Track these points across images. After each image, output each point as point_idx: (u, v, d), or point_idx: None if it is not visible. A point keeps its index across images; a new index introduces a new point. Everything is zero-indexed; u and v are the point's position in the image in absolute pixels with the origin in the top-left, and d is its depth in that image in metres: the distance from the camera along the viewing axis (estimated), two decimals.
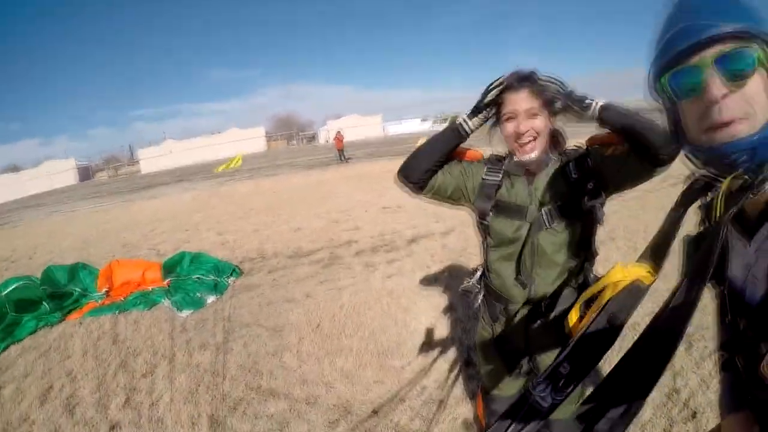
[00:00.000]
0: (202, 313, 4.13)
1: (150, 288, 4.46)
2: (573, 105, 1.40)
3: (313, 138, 63.72)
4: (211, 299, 4.35)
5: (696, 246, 0.89)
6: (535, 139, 1.45)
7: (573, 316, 1.02)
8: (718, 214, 0.78)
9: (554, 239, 1.52)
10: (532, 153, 1.46)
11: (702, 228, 0.94)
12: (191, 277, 4.59)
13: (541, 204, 1.53)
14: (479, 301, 1.73)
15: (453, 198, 1.64)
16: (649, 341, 0.76)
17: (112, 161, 61.93)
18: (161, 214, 11.60)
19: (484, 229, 1.62)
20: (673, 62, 0.74)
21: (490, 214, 1.58)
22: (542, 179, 1.55)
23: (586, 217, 1.51)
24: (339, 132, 23.89)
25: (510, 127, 1.46)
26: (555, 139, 1.57)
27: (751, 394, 0.91)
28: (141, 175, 42.36)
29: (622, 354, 0.79)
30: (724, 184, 0.77)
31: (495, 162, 1.63)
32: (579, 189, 1.49)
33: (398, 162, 1.65)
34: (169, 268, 4.78)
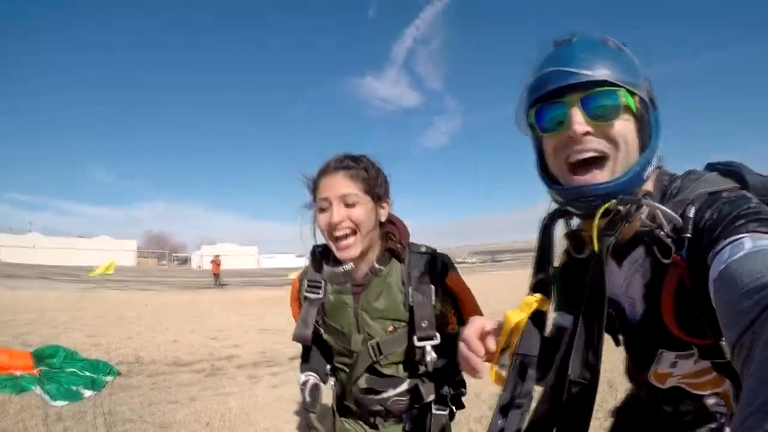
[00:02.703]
0: (79, 406, 3.89)
1: (19, 373, 4.10)
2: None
3: (185, 261, 60.39)
4: (87, 394, 4.13)
5: (566, 275, 0.94)
6: (354, 233, 1.21)
7: (493, 373, 0.93)
8: (596, 245, 0.76)
9: (386, 363, 1.31)
10: (348, 251, 1.21)
11: (566, 257, 0.99)
12: (65, 370, 4.33)
13: (369, 330, 1.30)
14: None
15: None
16: (566, 388, 0.74)
17: None
18: (24, 306, 10.18)
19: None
20: (542, 98, 0.80)
21: (321, 330, 1.38)
22: (369, 298, 1.29)
23: (416, 351, 1.26)
24: (217, 256, 23.85)
25: (323, 218, 1.23)
26: (390, 237, 1.32)
27: (637, 395, 1.02)
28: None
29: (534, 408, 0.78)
30: (597, 215, 0.77)
31: (316, 265, 1.39)
32: (412, 318, 1.25)
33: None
34: (41, 358, 4.45)
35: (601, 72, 0.75)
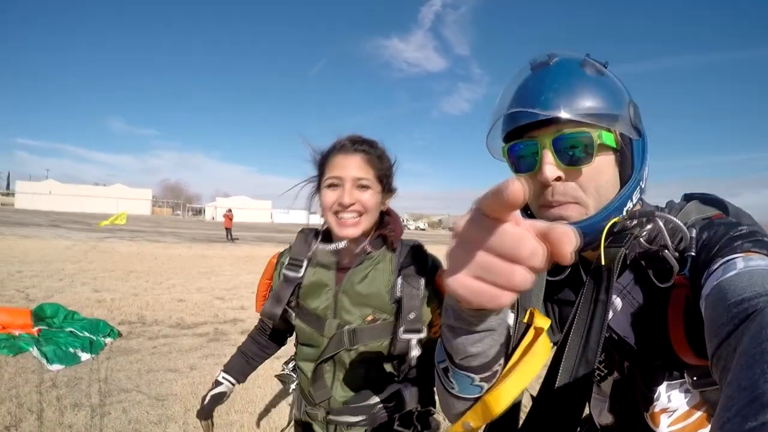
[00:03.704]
0: (75, 371, 3.82)
1: (17, 332, 4.02)
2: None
3: (199, 212, 61.70)
4: (85, 357, 4.05)
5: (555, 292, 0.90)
6: (360, 215, 1.21)
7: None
8: (603, 258, 0.73)
9: (359, 358, 1.23)
10: (350, 230, 1.19)
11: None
12: (64, 330, 4.25)
13: (345, 316, 1.24)
14: (292, 388, 1.49)
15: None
16: (552, 399, 0.72)
17: None
18: (32, 256, 10.30)
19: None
20: (514, 134, 0.77)
21: (292, 314, 1.31)
22: (354, 279, 1.24)
23: (398, 344, 1.19)
24: (229, 210, 23.84)
25: (331, 196, 1.20)
26: (385, 226, 1.30)
27: None
28: (15, 209, 36.23)
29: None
30: (606, 227, 0.73)
31: (302, 244, 1.34)
32: (399, 310, 1.19)
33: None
34: (41, 316, 4.37)
35: (575, 108, 0.70)
